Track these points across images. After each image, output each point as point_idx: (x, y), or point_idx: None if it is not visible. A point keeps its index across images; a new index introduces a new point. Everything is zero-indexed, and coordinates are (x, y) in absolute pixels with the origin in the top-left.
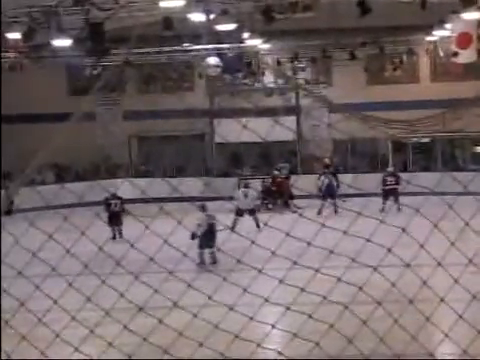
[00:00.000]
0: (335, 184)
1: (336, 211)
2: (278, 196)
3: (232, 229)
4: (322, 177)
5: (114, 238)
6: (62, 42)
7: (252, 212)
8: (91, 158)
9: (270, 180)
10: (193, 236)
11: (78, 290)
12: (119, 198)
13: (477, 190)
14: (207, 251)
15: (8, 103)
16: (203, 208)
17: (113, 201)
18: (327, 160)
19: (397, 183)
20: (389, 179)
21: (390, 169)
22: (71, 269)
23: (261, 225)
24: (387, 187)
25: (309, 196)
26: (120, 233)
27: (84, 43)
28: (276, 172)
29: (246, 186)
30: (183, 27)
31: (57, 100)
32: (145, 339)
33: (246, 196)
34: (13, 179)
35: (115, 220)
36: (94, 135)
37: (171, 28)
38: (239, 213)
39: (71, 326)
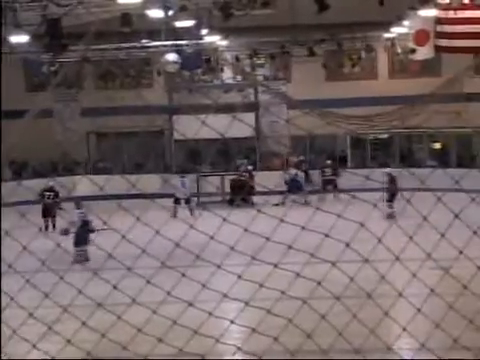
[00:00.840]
0: (302, 181)
1: (306, 202)
2: (242, 192)
3: (174, 216)
4: (290, 170)
5: (46, 229)
6: (19, 38)
7: (188, 201)
8: (49, 155)
9: (239, 176)
10: (65, 232)
11: (36, 287)
12: (54, 191)
13: (435, 186)
14: (79, 249)
15: None
16: (78, 205)
17: (48, 193)
18: (301, 157)
19: (335, 174)
20: (326, 170)
21: (328, 162)
22: (28, 266)
23: (197, 213)
24: (325, 177)
25: (269, 192)
26: (53, 225)
27: (42, 39)
28: (249, 167)
29: (182, 176)
30: (141, 23)
31: (15, 96)
32: (104, 336)
33: (183, 185)
34: None
35: (48, 212)
36: (52, 131)
37: (129, 24)
38: (177, 201)
39: (29, 323)
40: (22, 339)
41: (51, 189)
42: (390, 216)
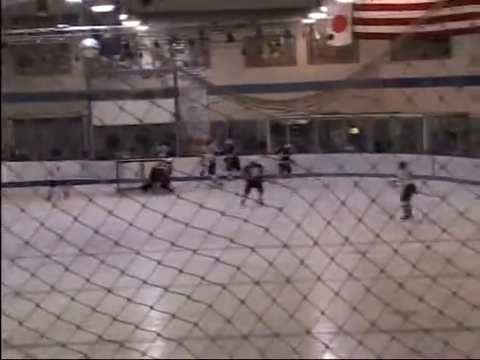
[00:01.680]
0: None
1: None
2: (159, 179)
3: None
4: (207, 155)
5: None
6: None
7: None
8: None
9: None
10: None
11: None
12: None
13: (353, 171)
14: None
15: None
16: None
17: None
18: (228, 141)
19: (288, 158)
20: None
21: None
22: None
23: None
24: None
25: (188, 178)
26: None
27: None
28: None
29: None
30: (59, 8)
31: None
32: (21, 324)
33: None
34: None
35: None
36: None
37: (45, 9)
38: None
39: None
40: None
41: None
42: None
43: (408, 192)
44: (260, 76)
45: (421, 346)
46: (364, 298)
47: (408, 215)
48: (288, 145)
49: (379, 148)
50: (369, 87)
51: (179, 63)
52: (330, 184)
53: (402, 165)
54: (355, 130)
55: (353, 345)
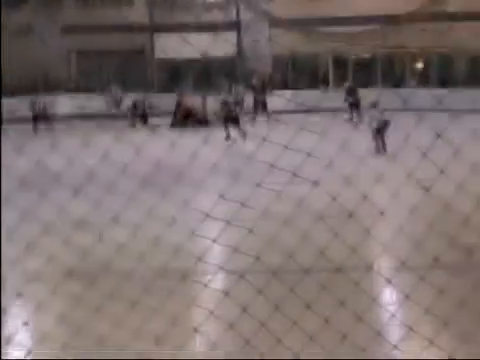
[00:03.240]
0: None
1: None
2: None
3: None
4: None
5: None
6: None
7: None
8: (28, 72)
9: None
10: None
11: (17, 205)
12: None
13: (416, 106)
14: None
15: None
16: None
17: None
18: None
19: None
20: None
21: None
22: (7, 185)
23: None
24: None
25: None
26: None
27: None
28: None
29: None
30: None
31: None
32: (86, 253)
33: None
34: None
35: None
36: (32, 49)
37: None
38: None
39: (5, 241)
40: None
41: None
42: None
43: (380, 129)
44: (323, 9)
45: None
46: (427, 233)
47: (380, 150)
48: (348, 83)
49: (444, 82)
50: (435, 20)
51: None
52: (394, 117)
53: (373, 104)
54: (420, 64)
55: (415, 280)
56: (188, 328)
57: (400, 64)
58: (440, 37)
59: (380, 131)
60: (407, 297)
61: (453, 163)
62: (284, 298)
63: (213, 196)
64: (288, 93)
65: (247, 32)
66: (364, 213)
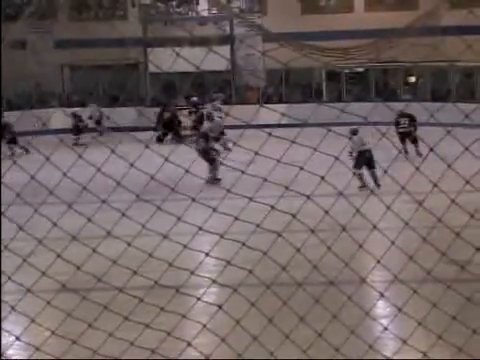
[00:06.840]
0: None
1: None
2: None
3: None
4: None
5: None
6: None
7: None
8: (22, 87)
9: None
10: None
11: (11, 220)
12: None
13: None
14: None
15: None
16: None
17: None
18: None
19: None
20: (402, 121)
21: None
22: (4, 199)
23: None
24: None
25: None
26: None
27: None
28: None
29: None
30: None
31: None
32: (79, 268)
33: None
34: None
35: None
36: (25, 63)
37: None
38: None
39: (3, 256)
40: None
41: None
42: None
43: (360, 159)
44: (316, 23)
45: (478, 296)
46: (420, 247)
47: (363, 184)
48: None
49: (437, 97)
50: (428, 35)
51: (235, 10)
52: (387, 132)
53: (354, 132)
54: (413, 78)
55: (408, 294)
56: (181, 342)
57: (393, 78)
58: (433, 51)
59: (369, 165)
60: (400, 310)
61: (446, 177)
62: (277, 311)
63: (206, 209)
64: (282, 107)
65: (240, 46)
66: (357, 226)
